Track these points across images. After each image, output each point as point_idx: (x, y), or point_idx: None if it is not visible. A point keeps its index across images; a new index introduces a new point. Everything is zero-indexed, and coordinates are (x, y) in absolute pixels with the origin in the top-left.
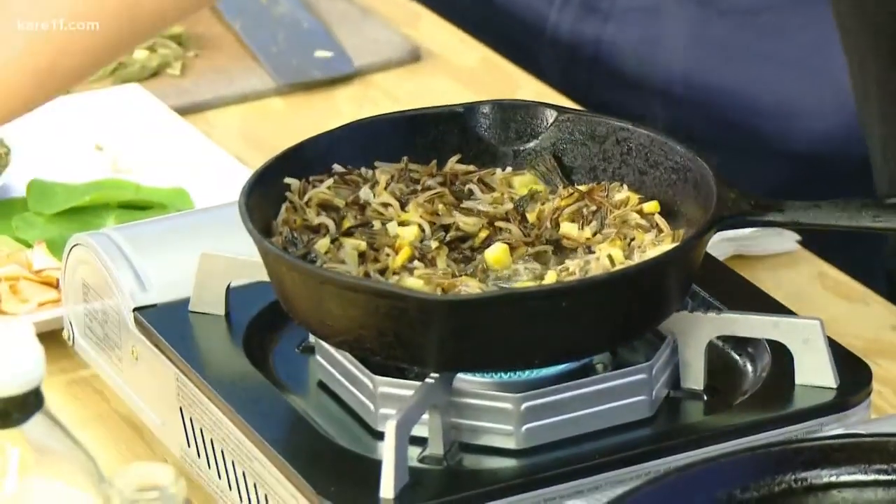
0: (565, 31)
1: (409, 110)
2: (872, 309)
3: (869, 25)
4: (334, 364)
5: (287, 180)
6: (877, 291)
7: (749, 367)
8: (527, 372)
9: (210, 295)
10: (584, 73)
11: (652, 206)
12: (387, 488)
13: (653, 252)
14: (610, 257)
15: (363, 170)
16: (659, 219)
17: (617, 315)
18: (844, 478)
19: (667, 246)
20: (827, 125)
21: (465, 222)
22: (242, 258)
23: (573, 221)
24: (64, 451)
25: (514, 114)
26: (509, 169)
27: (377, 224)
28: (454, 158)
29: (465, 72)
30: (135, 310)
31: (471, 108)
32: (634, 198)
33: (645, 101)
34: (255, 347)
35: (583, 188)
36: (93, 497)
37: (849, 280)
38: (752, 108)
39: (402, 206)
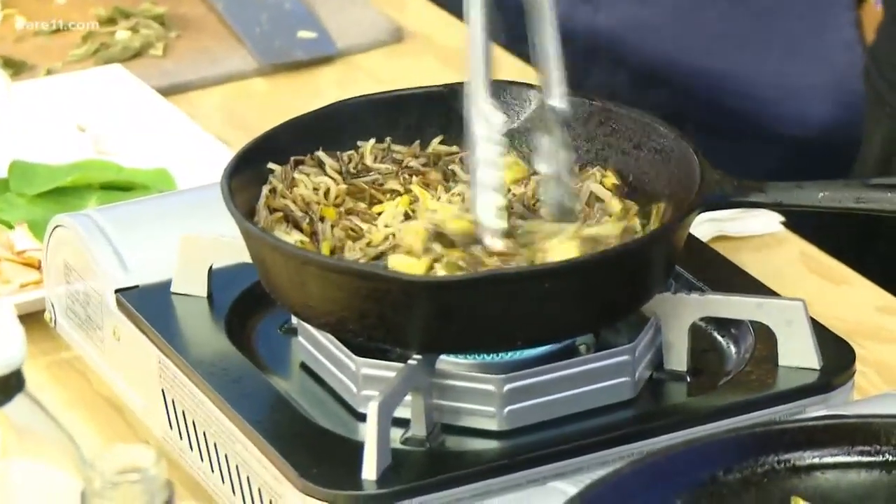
0: (559, 17)
1: (391, 91)
2: (856, 290)
3: None
4: (317, 346)
5: (270, 165)
6: (862, 273)
7: (732, 349)
8: (509, 353)
9: (192, 276)
10: (578, 60)
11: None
12: (369, 470)
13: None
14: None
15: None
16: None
17: (600, 296)
18: (827, 459)
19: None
20: (820, 108)
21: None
22: (225, 239)
23: None
24: (45, 432)
25: (497, 94)
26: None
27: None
28: (437, 139)
29: (449, 53)
30: (117, 291)
31: (454, 89)
32: (610, 179)
33: (638, 87)
34: (237, 329)
35: None
36: (74, 478)
37: (832, 261)
38: (744, 92)
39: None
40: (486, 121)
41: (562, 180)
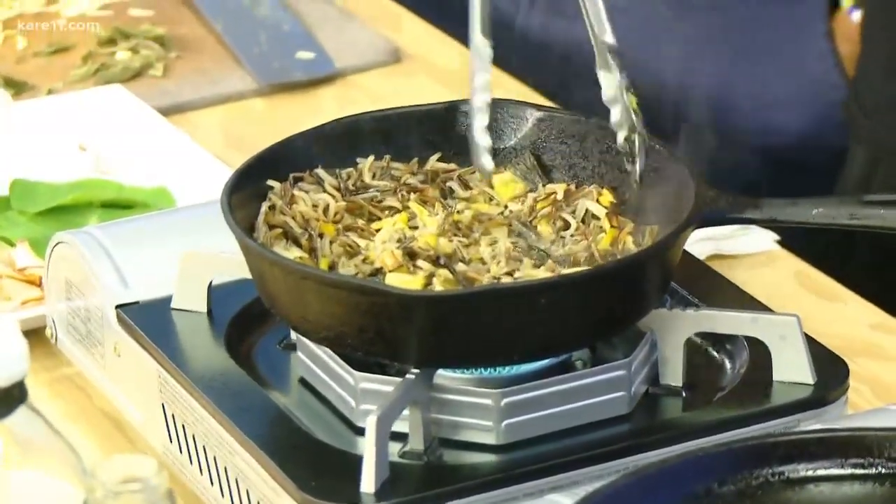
0: (535, 32)
1: (389, 109)
2: (850, 308)
3: None
4: (315, 360)
5: (270, 182)
6: (856, 290)
7: (727, 364)
8: (507, 368)
9: (192, 292)
10: (555, 73)
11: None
12: (367, 483)
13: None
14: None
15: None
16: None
17: (596, 312)
18: (821, 472)
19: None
20: (800, 119)
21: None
22: (224, 255)
23: (549, 223)
24: (47, 443)
25: (494, 112)
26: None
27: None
28: (435, 157)
29: (446, 72)
30: (117, 307)
31: (451, 107)
32: (607, 198)
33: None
34: (236, 344)
35: (560, 188)
36: (76, 489)
37: (827, 279)
38: (724, 103)
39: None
40: (478, 53)
41: (622, 99)
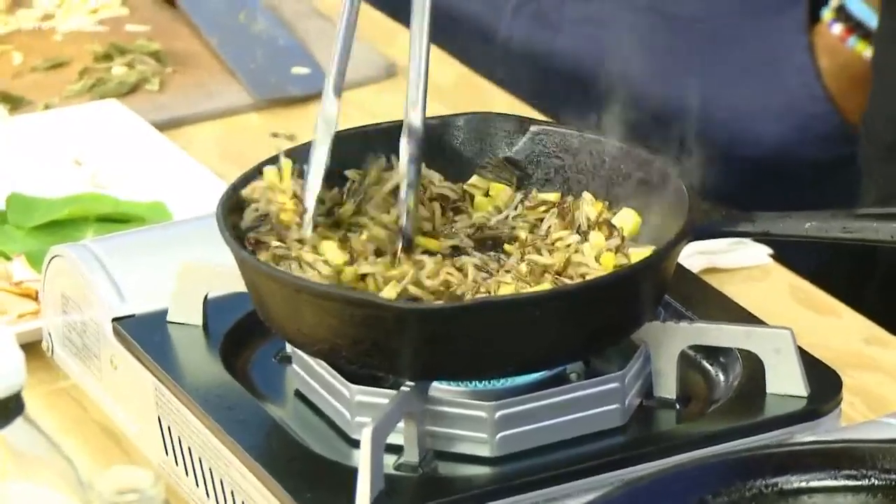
0: (518, 42)
1: (384, 122)
2: (844, 321)
3: None
4: (311, 373)
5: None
6: (849, 304)
7: (721, 377)
8: (501, 381)
9: (188, 305)
10: (538, 82)
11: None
12: (362, 495)
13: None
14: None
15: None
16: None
17: (590, 324)
18: (814, 483)
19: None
20: (777, 131)
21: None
22: (220, 268)
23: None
24: (44, 455)
25: (487, 126)
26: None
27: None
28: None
29: (440, 88)
30: (113, 320)
31: (445, 121)
32: (599, 206)
33: (593, 108)
34: (232, 357)
35: (551, 197)
36: (73, 500)
37: (821, 293)
38: (702, 115)
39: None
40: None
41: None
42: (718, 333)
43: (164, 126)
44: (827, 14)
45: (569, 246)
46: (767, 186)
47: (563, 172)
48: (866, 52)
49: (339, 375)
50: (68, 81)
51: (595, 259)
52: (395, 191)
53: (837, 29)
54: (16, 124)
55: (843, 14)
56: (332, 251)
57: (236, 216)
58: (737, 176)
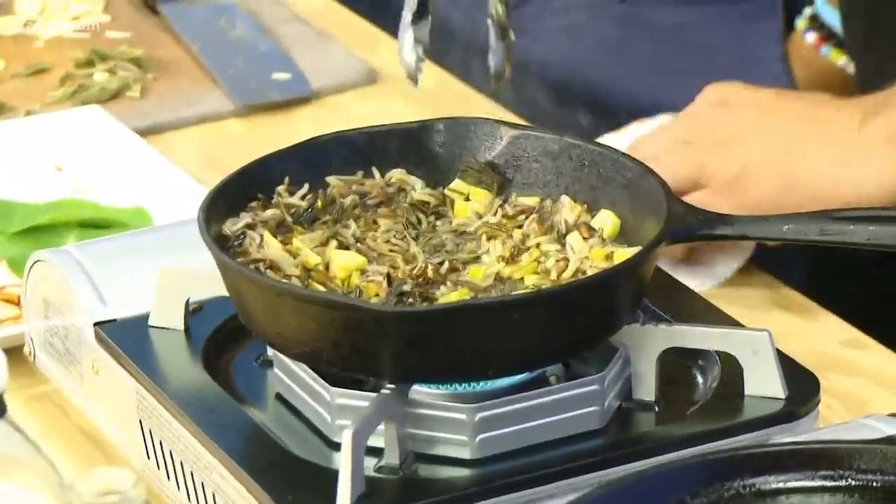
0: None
1: (364, 128)
2: (822, 324)
3: None
4: (292, 376)
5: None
6: (827, 306)
7: (699, 379)
8: (481, 383)
9: (169, 310)
10: (515, 89)
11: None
12: (343, 498)
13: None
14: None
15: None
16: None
17: (569, 327)
18: (792, 483)
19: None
20: None
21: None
22: (201, 273)
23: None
24: (25, 457)
25: (467, 131)
26: (456, 181)
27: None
28: (398, 171)
29: (421, 93)
30: (95, 324)
31: (425, 126)
32: (577, 209)
33: (574, 117)
34: (213, 361)
35: (530, 201)
36: (54, 502)
37: (799, 296)
38: None
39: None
40: None
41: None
42: (697, 336)
43: (145, 132)
44: (801, 23)
45: (546, 253)
46: None
47: (542, 176)
48: (840, 60)
49: (319, 378)
50: (50, 88)
51: (585, 258)
52: (371, 203)
53: (811, 38)
54: None
55: (816, 23)
56: (307, 253)
57: (217, 221)
58: None
